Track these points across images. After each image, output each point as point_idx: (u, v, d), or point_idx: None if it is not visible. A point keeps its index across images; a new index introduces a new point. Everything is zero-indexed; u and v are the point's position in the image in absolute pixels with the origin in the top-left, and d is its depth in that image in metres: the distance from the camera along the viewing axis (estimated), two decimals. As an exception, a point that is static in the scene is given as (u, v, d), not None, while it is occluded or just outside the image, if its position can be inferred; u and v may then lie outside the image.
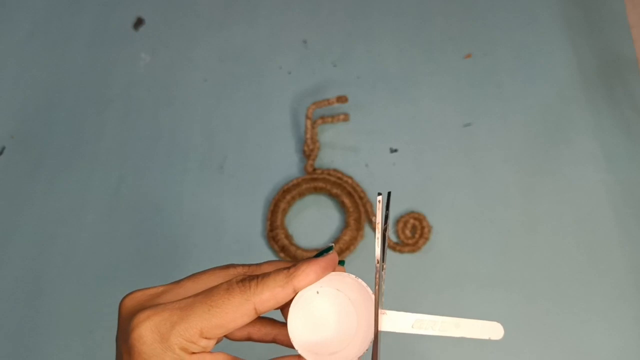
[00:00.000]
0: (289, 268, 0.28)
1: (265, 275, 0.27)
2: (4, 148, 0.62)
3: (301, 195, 0.57)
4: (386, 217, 0.29)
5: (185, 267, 0.55)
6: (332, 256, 0.28)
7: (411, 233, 0.55)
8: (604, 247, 0.54)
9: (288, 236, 0.55)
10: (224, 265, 0.30)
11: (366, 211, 0.56)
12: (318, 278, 0.28)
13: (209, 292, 0.27)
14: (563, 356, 0.50)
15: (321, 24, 0.66)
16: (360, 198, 0.56)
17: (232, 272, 0.29)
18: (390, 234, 0.55)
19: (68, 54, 0.67)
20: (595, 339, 0.50)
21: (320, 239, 0.56)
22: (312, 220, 0.57)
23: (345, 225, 0.55)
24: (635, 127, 0.59)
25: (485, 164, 0.58)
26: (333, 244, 0.31)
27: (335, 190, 0.56)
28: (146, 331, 0.26)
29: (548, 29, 0.64)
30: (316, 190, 0.57)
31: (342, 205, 0.56)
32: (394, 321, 0.30)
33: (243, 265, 0.30)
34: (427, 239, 0.54)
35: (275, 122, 0.61)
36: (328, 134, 0.60)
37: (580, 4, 0.65)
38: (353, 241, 0.54)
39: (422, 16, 0.66)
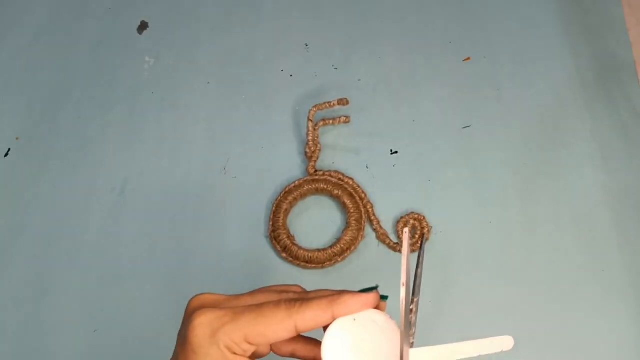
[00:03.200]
0: (333, 295, 0.31)
1: (310, 298, 0.31)
2: (9, 150, 0.63)
3: (303, 196, 0.57)
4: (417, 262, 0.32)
5: (188, 267, 0.56)
6: (375, 295, 0.31)
7: (411, 233, 0.55)
8: (602, 247, 0.54)
9: (290, 236, 0.56)
10: (282, 286, 0.34)
11: (367, 212, 0.56)
12: (357, 311, 0.31)
13: (260, 304, 0.31)
14: (562, 355, 0.50)
15: (322, 28, 0.67)
16: (361, 199, 0.57)
17: (285, 293, 0.32)
18: (390, 234, 0.56)
19: (73, 57, 0.68)
20: (594, 338, 0.51)
21: (321, 239, 0.56)
22: (314, 221, 0.57)
23: (347, 226, 0.55)
24: (632, 129, 0.59)
25: (484, 166, 0.58)
26: (378, 285, 0.33)
27: (336, 192, 0.57)
28: (200, 325, 0.30)
29: (546, 32, 0.65)
30: (318, 192, 0.57)
31: (343, 206, 0.57)
32: (417, 357, 0.31)
33: (297, 291, 0.33)
34: (427, 239, 0.55)
35: (278, 124, 0.62)
36: (329, 136, 0.61)
37: (578, 8, 0.66)
38: (354, 241, 0.55)
39: (422, 20, 0.67)
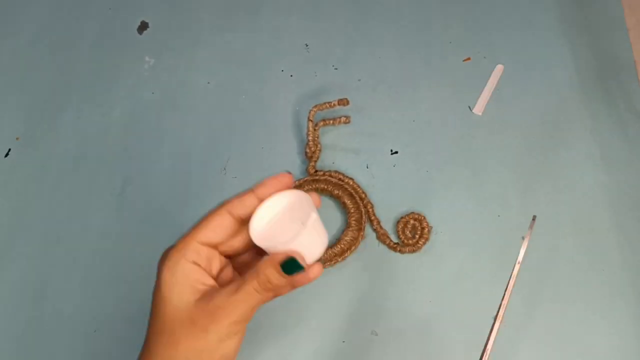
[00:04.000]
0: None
1: (243, 192, 0.37)
2: (9, 150, 0.63)
3: (303, 196, 0.57)
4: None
5: (188, 267, 0.56)
6: (287, 175, 0.37)
7: (411, 233, 0.55)
8: (602, 247, 0.54)
9: (290, 236, 0.56)
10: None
11: (367, 212, 0.56)
12: (275, 190, 0.36)
13: (204, 216, 0.37)
14: (562, 356, 0.51)
15: (322, 28, 0.67)
16: (362, 199, 0.57)
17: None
18: (391, 234, 0.56)
19: (73, 56, 0.68)
20: (593, 338, 0.51)
21: (321, 240, 0.56)
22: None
23: (347, 226, 0.55)
24: (632, 129, 0.59)
25: (484, 166, 0.59)
26: (290, 172, 0.39)
27: (336, 192, 0.57)
28: (162, 266, 0.36)
29: (546, 32, 0.65)
30: (318, 192, 0.57)
31: (343, 206, 0.57)
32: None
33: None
34: (427, 239, 0.55)
35: (278, 124, 0.62)
36: (329, 136, 0.61)
37: (579, 8, 0.66)
38: (354, 241, 0.55)
39: (421, 20, 0.67)
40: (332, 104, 0.58)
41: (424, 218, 0.56)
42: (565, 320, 0.52)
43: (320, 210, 0.58)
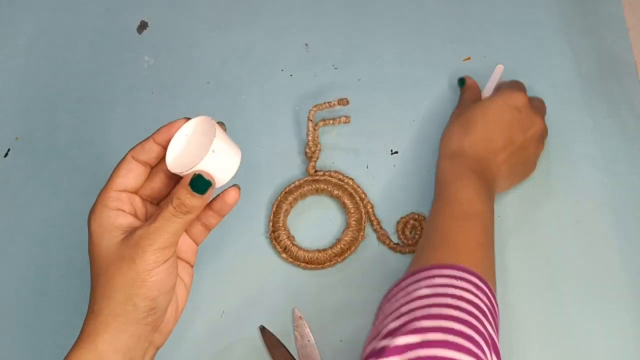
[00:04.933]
0: None
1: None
2: (8, 150, 0.63)
3: (303, 196, 0.57)
4: None
5: (188, 267, 0.56)
6: (183, 120, 0.42)
7: (411, 233, 0.55)
8: (602, 248, 0.54)
9: (290, 237, 0.56)
10: None
11: (367, 212, 0.56)
12: (169, 132, 0.41)
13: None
14: (562, 356, 0.51)
15: (322, 28, 0.67)
16: (361, 199, 0.57)
17: None
18: (391, 234, 0.56)
19: (72, 56, 0.68)
20: (593, 338, 0.51)
21: (321, 240, 0.56)
22: (314, 221, 0.57)
23: (347, 226, 0.56)
24: (632, 129, 0.59)
25: (484, 166, 0.58)
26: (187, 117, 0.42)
27: (336, 192, 0.57)
28: (89, 219, 0.40)
29: (546, 32, 0.65)
30: (318, 192, 0.57)
31: (343, 206, 0.57)
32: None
33: None
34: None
35: (277, 124, 0.62)
36: (329, 136, 0.61)
37: (578, 7, 0.66)
38: (354, 241, 0.55)
39: (421, 20, 0.67)
40: (332, 104, 0.58)
41: (424, 218, 0.56)
42: (565, 320, 0.52)
43: (320, 210, 0.58)
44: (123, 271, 0.37)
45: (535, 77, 0.62)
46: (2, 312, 0.55)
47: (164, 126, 0.41)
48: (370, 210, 0.56)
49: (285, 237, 0.55)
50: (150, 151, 0.41)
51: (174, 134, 0.41)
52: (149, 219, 0.40)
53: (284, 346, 0.52)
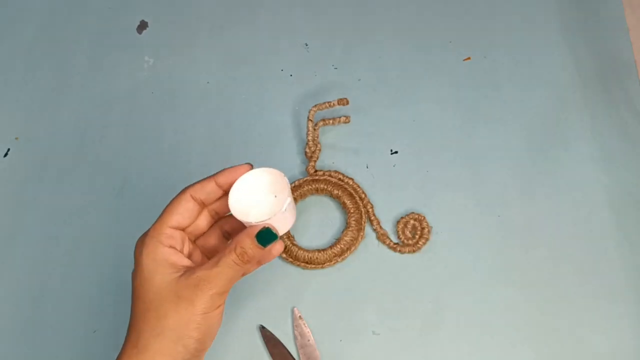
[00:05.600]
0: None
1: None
2: (8, 150, 0.63)
3: (303, 196, 0.57)
4: None
5: (188, 267, 0.56)
6: (246, 165, 0.42)
7: (411, 233, 0.55)
8: (602, 247, 0.54)
9: (290, 237, 0.56)
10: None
11: (367, 212, 0.56)
12: (233, 176, 0.41)
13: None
14: (562, 355, 0.51)
15: (322, 28, 0.67)
16: (361, 199, 0.57)
17: None
18: (391, 234, 0.56)
19: (72, 56, 0.68)
20: (593, 338, 0.51)
21: (321, 240, 0.56)
22: (314, 221, 0.57)
23: (347, 226, 0.55)
24: (632, 129, 0.59)
25: (484, 166, 0.59)
26: (250, 164, 0.43)
27: (336, 192, 0.57)
28: (138, 251, 0.40)
29: (546, 32, 0.65)
30: (318, 192, 0.57)
31: (343, 206, 0.57)
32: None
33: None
34: (427, 239, 0.55)
35: (277, 124, 0.62)
36: (329, 136, 0.61)
37: (579, 7, 0.66)
38: (354, 242, 0.55)
39: (422, 20, 0.67)
40: (332, 104, 0.58)
41: (424, 218, 0.56)
42: (565, 320, 0.52)
43: (320, 210, 0.58)
44: (179, 310, 0.37)
45: (535, 77, 0.63)
46: (2, 312, 0.55)
47: (227, 169, 0.42)
48: (370, 210, 0.56)
49: (285, 236, 0.55)
50: (210, 192, 0.41)
51: (237, 178, 0.41)
52: (191, 258, 0.41)
53: (284, 346, 0.52)
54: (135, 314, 0.39)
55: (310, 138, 0.58)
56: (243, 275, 0.42)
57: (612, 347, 0.51)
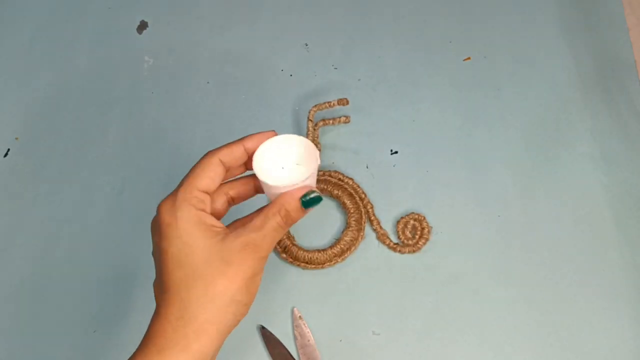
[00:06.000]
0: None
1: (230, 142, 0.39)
2: (8, 150, 0.63)
3: (303, 196, 0.57)
4: None
5: (188, 267, 0.56)
6: (271, 132, 0.39)
7: (411, 234, 0.55)
8: (603, 247, 0.54)
9: (290, 237, 0.56)
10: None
11: (367, 212, 0.56)
12: (260, 141, 0.38)
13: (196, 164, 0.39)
14: (562, 355, 0.51)
15: (322, 28, 0.67)
16: (361, 199, 0.57)
17: None
18: (391, 234, 0.56)
19: (72, 56, 0.68)
20: (593, 338, 0.51)
21: (321, 240, 0.56)
22: (314, 221, 0.57)
23: (346, 226, 0.55)
24: (632, 129, 0.59)
25: (484, 166, 0.59)
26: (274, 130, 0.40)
27: (336, 192, 0.57)
28: (161, 210, 0.37)
29: (546, 31, 0.65)
30: (317, 192, 0.57)
31: (343, 206, 0.57)
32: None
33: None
34: (427, 239, 0.55)
35: (277, 124, 0.62)
36: (329, 136, 0.61)
37: (579, 7, 0.66)
38: (354, 242, 0.55)
39: (421, 19, 0.67)
40: (332, 104, 0.58)
41: (424, 218, 0.56)
42: (565, 320, 0.52)
43: (320, 210, 0.58)
44: (229, 276, 0.35)
45: (535, 76, 0.63)
46: (2, 312, 0.55)
47: (254, 134, 0.39)
48: (370, 210, 0.56)
49: (285, 237, 0.55)
50: (237, 156, 0.39)
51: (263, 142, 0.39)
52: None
53: (284, 346, 0.52)
54: (173, 284, 0.36)
55: (310, 138, 0.58)
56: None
57: (612, 347, 0.51)
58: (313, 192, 0.38)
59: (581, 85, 0.62)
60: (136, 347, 0.39)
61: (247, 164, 0.40)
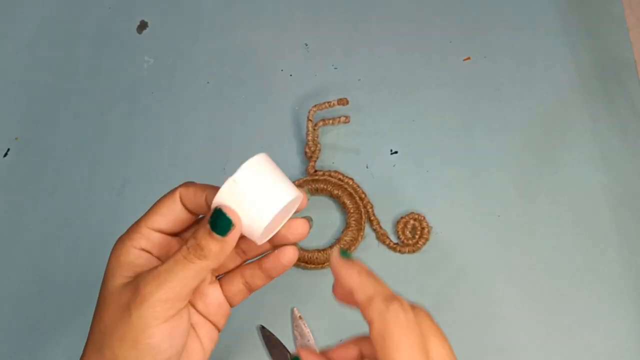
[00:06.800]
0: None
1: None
2: (8, 150, 0.63)
3: (303, 196, 0.57)
4: None
5: (188, 267, 0.56)
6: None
7: (411, 234, 0.55)
8: (602, 247, 0.54)
9: (290, 237, 0.56)
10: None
11: (367, 212, 0.56)
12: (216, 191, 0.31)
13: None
14: (562, 355, 0.51)
15: (322, 28, 0.67)
16: (361, 199, 0.57)
17: None
18: (390, 234, 0.56)
19: (72, 56, 0.68)
20: (593, 338, 0.51)
21: (321, 240, 0.56)
22: (314, 221, 0.57)
23: (346, 226, 0.55)
24: (632, 129, 0.59)
25: (484, 166, 0.59)
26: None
27: (336, 192, 0.57)
28: (112, 255, 0.33)
29: (547, 31, 0.65)
30: (317, 192, 0.57)
31: (343, 206, 0.57)
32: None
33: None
34: (426, 239, 0.55)
35: (277, 124, 0.62)
36: (329, 136, 0.61)
37: (579, 7, 0.66)
38: (354, 242, 0.55)
39: (421, 19, 0.67)
40: (332, 104, 0.58)
41: (424, 218, 0.56)
42: (565, 320, 0.52)
43: (319, 210, 0.58)
44: (117, 323, 0.30)
45: (535, 77, 0.63)
46: (2, 312, 0.55)
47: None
48: (370, 210, 0.56)
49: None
50: (199, 197, 0.32)
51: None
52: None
53: (284, 346, 0.52)
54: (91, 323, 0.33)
55: (310, 138, 0.58)
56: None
57: (612, 347, 0.51)
58: (219, 212, 0.30)
59: (581, 85, 0.62)
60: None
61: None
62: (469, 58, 0.64)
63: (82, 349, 0.53)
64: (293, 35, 0.67)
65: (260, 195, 0.30)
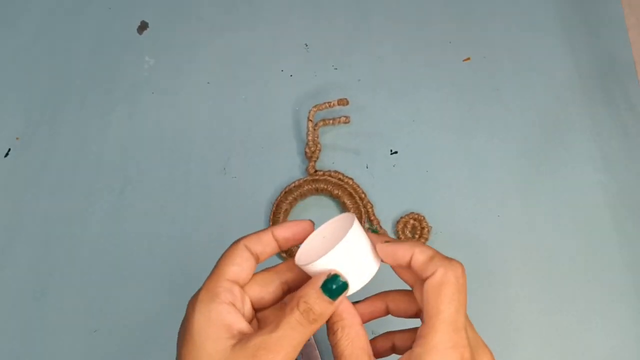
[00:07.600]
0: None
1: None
2: (9, 150, 0.63)
3: (303, 196, 0.57)
4: None
5: (188, 267, 0.56)
6: (310, 223, 0.36)
7: (411, 233, 0.55)
8: (602, 247, 0.54)
9: (290, 237, 0.56)
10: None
11: (367, 212, 0.56)
12: (293, 233, 0.35)
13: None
14: (562, 355, 0.51)
15: (322, 28, 0.67)
16: (361, 199, 0.57)
17: None
18: (390, 234, 0.56)
19: (73, 56, 0.68)
20: (593, 338, 0.51)
21: (321, 240, 0.56)
22: (314, 221, 0.57)
23: (346, 226, 0.55)
24: (632, 129, 0.59)
25: (484, 166, 0.59)
26: (312, 221, 0.36)
27: (336, 191, 0.57)
28: (190, 304, 0.33)
29: (546, 32, 0.65)
30: (318, 192, 0.57)
31: (343, 206, 0.57)
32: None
33: None
34: (426, 239, 0.55)
35: (277, 124, 0.62)
36: (329, 136, 0.61)
37: (578, 7, 0.66)
38: (354, 241, 0.55)
39: (421, 20, 0.67)
40: (332, 104, 0.58)
41: (424, 218, 0.56)
42: (565, 320, 0.52)
43: (320, 210, 0.58)
44: None
45: (535, 77, 0.63)
46: (3, 312, 0.55)
47: (287, 222, 0.35)
48: (370, 209, 0.56)
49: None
50: (267, 244, 0.34)
51: (296, 233, 0.35)
52: (250, 323, 0.34)
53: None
54: None
55: (310, 138, 0.58)
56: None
57: (612, 347, 0.51)
58: (335, 277, 0.31)
59: (581, 86, 0.62)
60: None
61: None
62: (468, 58, 0.64)
63: (82, 349, 0.53)
64: (293, 35, 0.67)
65: (362, 256, 0.33)
